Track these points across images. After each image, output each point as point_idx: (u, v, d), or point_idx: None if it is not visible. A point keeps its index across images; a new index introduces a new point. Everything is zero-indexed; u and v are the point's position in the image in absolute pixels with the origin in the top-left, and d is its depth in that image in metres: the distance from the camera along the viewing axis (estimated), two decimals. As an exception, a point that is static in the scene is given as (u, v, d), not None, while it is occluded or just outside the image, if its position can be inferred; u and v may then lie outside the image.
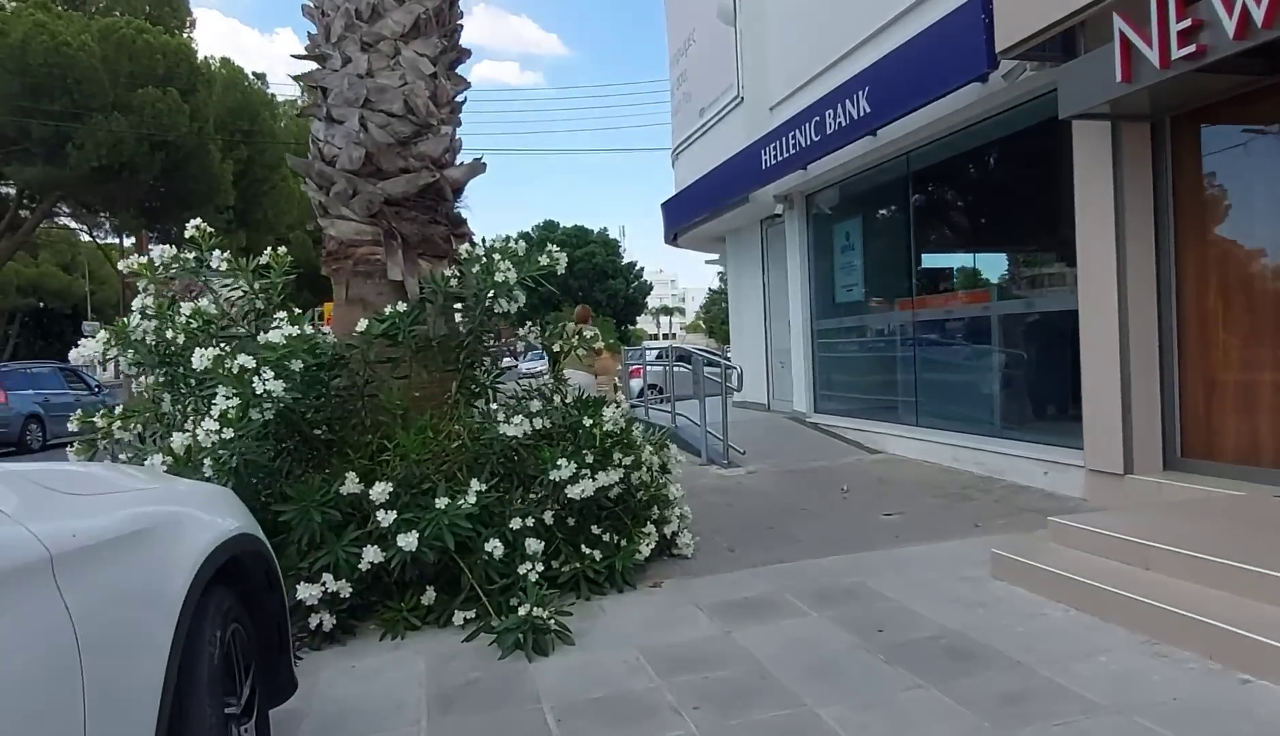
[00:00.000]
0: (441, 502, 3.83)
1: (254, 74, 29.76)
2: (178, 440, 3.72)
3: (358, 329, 4.26)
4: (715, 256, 16.04)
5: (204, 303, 3.98)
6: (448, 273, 4.51)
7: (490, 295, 4.34)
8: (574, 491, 4.14)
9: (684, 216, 12.89)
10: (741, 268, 12.89)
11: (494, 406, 4.32)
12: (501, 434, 4.13)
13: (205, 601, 2.07)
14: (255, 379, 3.67)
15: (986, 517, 5.51)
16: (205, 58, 25.26)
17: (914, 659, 3.21)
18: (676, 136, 14.06)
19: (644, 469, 4.75)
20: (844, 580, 4.31)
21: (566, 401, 4.60)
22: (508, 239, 4.56)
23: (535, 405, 4.49)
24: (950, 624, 3.56)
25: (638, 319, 58.54)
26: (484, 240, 4.50)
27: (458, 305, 4.78)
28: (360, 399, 4.44)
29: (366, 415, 4.42)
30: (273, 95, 30.73)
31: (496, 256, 4.31)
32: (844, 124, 7.74)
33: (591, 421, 4.25)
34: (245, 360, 3.73)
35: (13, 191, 24.59)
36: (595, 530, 4.47)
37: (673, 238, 14.34)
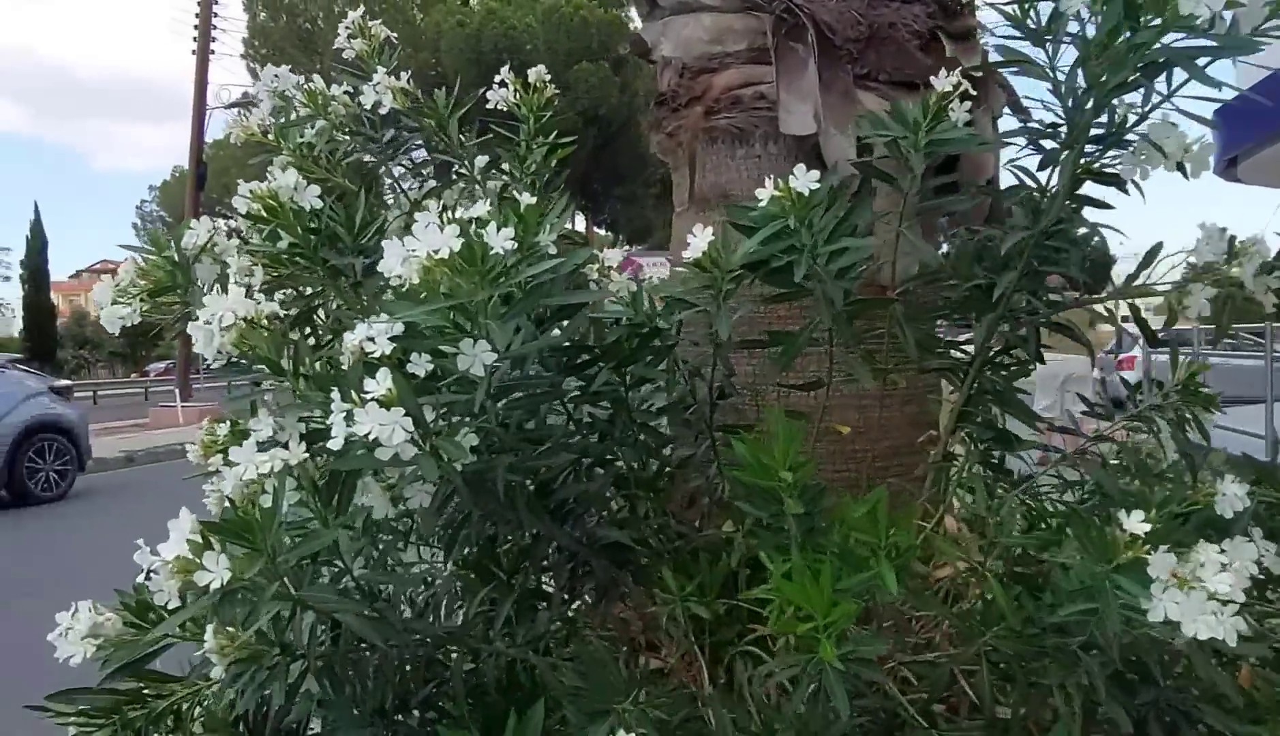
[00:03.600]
0: None
1: (683, 44, 29.66)
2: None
3: (687, 254, 1.51)
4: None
5: (286, 179, 1.54)
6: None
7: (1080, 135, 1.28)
8: None
9: (1270, 122, 8.14)
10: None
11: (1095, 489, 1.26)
12: (1151, 624, 1.07)
13: None
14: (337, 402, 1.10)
15: None
16: (634, 29, 25.30)
17: None
18: None
19: None
20: None
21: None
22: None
23: (1234, 492, 1.33)
24: None
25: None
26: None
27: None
28: (708, 439, 1.71)
29: (716, 483, 1.69)
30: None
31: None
32: None
33: None
34: (364, 337, 1.18)
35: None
36: None
37: (1229, 163, 9.50)
